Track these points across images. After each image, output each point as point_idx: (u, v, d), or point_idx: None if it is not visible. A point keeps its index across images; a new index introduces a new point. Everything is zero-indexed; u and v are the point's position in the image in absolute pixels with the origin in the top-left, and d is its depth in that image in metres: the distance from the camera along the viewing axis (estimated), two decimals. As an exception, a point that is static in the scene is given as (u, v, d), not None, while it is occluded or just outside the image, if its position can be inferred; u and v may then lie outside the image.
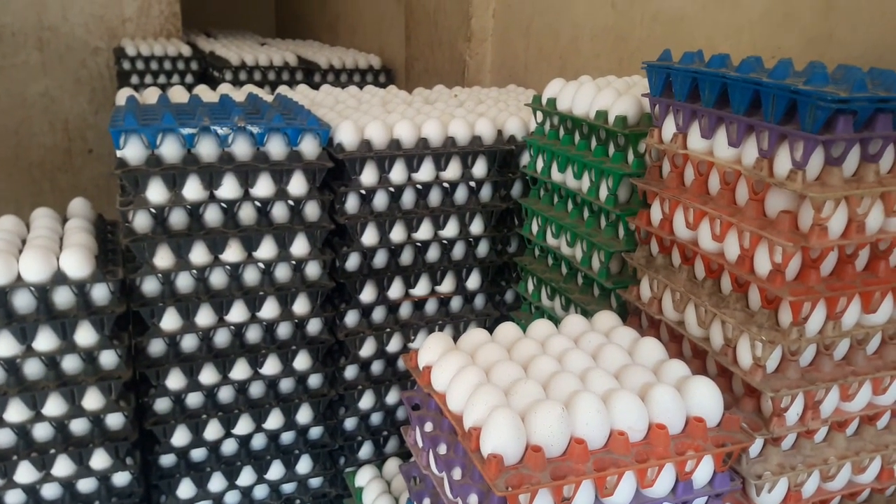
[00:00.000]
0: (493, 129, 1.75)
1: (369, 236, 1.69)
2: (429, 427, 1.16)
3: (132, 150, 1.44)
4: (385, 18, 3.93)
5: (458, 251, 1.81)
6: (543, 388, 1.06)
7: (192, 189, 1.48)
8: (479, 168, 1.74)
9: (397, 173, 1.67)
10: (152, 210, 1.47)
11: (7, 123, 4.01)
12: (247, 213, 1.56)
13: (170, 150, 1.46)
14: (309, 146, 1.57)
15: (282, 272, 1.63)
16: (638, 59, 2.02)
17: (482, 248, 1.83)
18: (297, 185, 1.56)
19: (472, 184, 1.76)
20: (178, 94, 1.98)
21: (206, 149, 1.49)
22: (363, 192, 1.66)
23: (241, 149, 1.51)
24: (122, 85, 3.59)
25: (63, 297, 1.43)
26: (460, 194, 1.76)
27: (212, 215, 1.53)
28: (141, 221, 1.48)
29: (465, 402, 1.04)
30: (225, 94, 1.81)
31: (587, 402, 1.00)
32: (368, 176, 1.65)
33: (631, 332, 1.24)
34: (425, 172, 1.69)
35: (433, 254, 1.79)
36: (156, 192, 1.46)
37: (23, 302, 1.40)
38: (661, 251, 1.32)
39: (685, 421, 1.05)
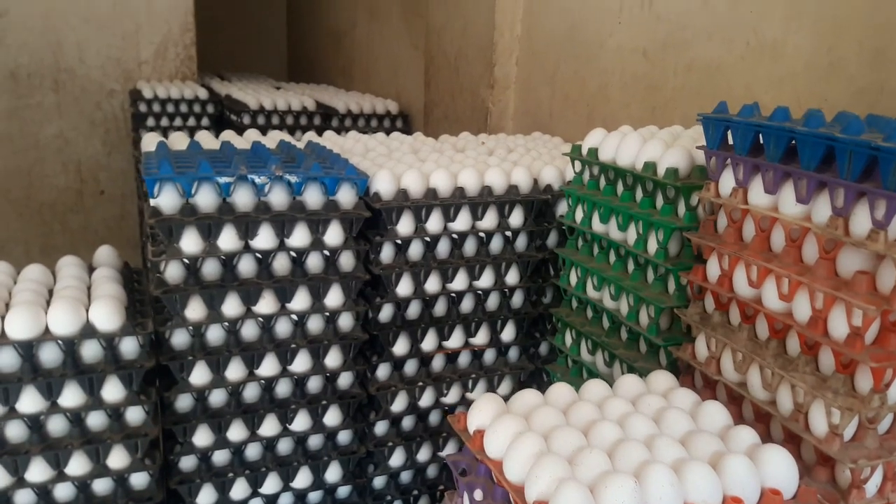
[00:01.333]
0: (530, 178, 1.72)
1: (404, 287, 1.64)
2: (479, 496, 1.10)
3: (167, 199, 1.40)
4: (401, 64, 3.95)
5: (493, 302, 1.76)
6: (609, 456, 1.00)
7: (228, 239, 1.44)
8: (516, 217, 1.70)
9: (434, 223, 1.63)
10: (186, 260, 1.43)
11: (20, 164, 4.00)
12: (281, 264, 1.51)
13: (205, 198, 1.42)
14: (346, 195, 1.53)
15: (314, 324, 1.58)
16: (672, 109, 2.00)
17: (517, 299, 1.78)
18: (334, 234, 1.52)
19: (509, 233, 1.72)
20: (205, 140, 1.95)
21: (242, 198, 1.45)
22: (398, 241, 1.62)
23: (278, 198, 1.48)
24: (138, 127, 3.58)
25: (91, 351, 1.38)
26: (496, 244, 1.72)
27: (246, 266, 1.49)
28: (173, 272, 1.44)
29: (526, 473, 0.98)
30: (256, 141, 1.78)
31: (659, 474, 0.94)
32: (405, 225, 1.61)
33: (690, 394, 1.18)
34: (462, 222, 1.65)
35: (467, 304, 1.74)
36: (190, 241, 1.42)
37: (50, 356, 1.35)
38: (718, 308, 1.26)
39: (760, 493, 0.99)
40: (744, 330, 1.20)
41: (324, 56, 5.52)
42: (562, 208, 1.77)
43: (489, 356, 1.80)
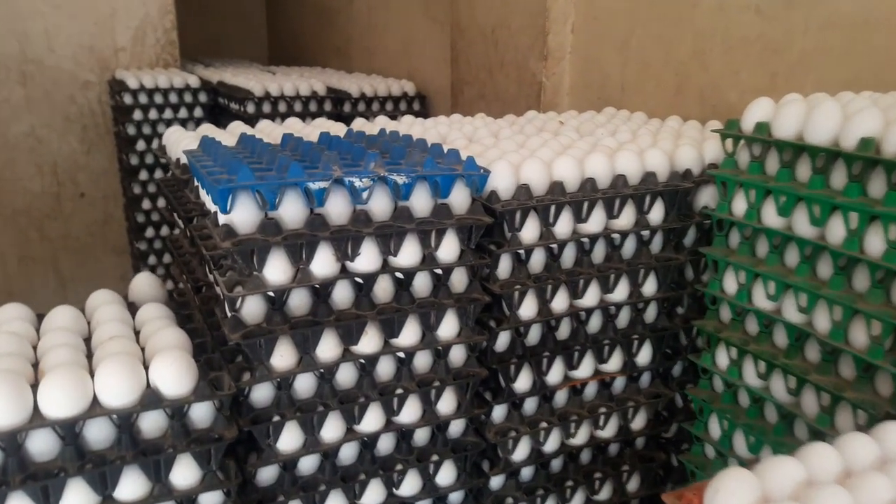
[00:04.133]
0: (667, 163, 1.39)
1: (527, 307, 1.31)
2: None
3: (244, 213, 1.05)
4: (415, 40, 3.58)
5: (624, 318, 1.44)
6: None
7: (323, 262, 1.09)
8: (655, 213, 1.38)
9: (563, 225, 1.30)
10: (271, 293, 1.08)
11: (-13, 167, 3.57)
12: (383, 289, 1.17)
13: (291, 211, 1.07)
14: (458, 197, 1.19)
15: (422, 361, 1.25)
16: (801, 74, 1.69)
17: (650, 313, 1.46)
18: (448, 248, 1.18)
19: (645, 233, 1.39)
20: (219, 134, 1.58)
21: (334, 208, 1.10)
22: (520, 251, 1.29)
23: (378, 205, 1.13)
24: (122, 121, 3.19)
25: (153, 424, 1.02)
26: (629, 247, 1.40)
27: (341, 294, 1.14)
28: (253, 309, 1.09)
29: None
30: (325, 131, 1.42)
31: None
32: (529, 231, 1.27)
33: None
34: (594, 222, 1.32)
35: (595, 324, 1.41)
36: (276, 268, 1.06)
37: (100, 434, 0.99)
38: None
39: None
40: None
41: (312, 36, 5.10)
42: (703, 198, 1.45)
43: (618, 383, 1.48)
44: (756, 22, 1.78)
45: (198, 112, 3.40)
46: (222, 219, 1.05)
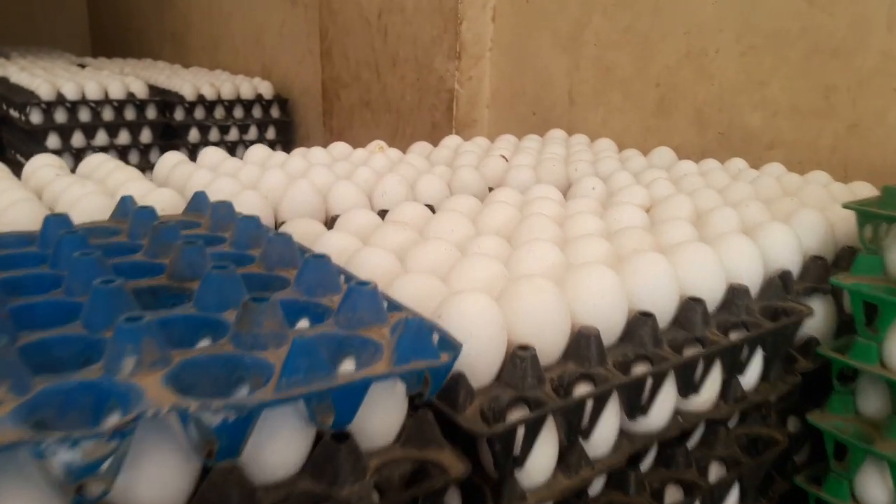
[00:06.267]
0: (760, 266, 0.73)
1: None
2: None
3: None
4: (270, 26, 2.77)
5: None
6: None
7: None
8: (752, 372, 0.71)
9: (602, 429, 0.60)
10: None
11: None
12: None
13: None
14: (380, 412, 0.47)
15: None
16: (879, 84, 1.09)
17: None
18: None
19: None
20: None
21: None
22: None
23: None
24: None
25: None
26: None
27: None
28: None
29: None
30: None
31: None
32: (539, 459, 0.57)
33: None
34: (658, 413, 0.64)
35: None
36: None
37: None
38: None
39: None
40: None
41: (143, 20, 4.14)
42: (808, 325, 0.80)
43: None
44: (804, 11, 1.17)
45: (-36, 121, 2.46)
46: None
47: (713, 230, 0.78)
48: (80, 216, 0.69)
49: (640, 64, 1.41)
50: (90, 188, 0.77)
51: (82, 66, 3.06)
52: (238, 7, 2.97)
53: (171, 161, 1.00)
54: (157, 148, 2.34)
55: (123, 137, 2.30)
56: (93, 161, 0.96)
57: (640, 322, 0.61)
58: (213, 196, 0.74)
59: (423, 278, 0.58)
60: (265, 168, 0.96)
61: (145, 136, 2.33)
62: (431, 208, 0.90)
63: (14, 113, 2.26)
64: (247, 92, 2.54)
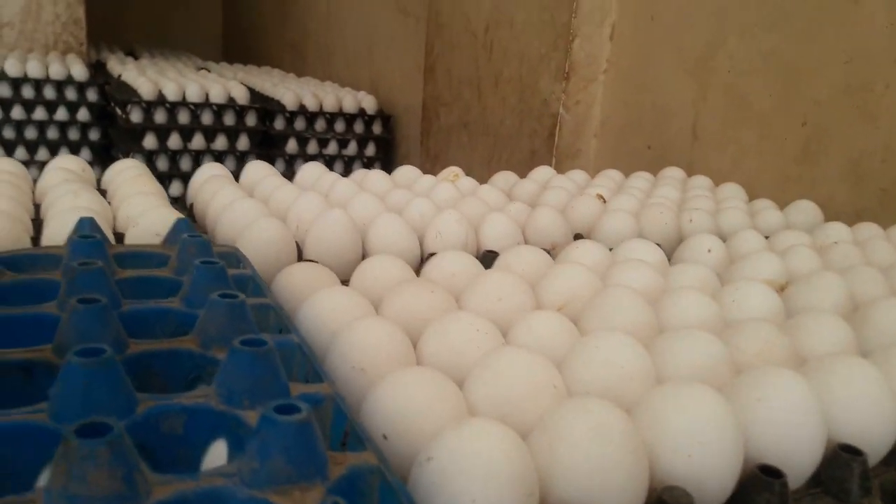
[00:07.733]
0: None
1: None
2: None
3: None
4: (380, 37, 2.67)
5: None
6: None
7: None
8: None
9: None
10: None
11: None
12: None
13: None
14: None
15: None
16: None
17: None
18: None
19: None
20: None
21: None
22: None
23: None
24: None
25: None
26: None
27: None
28: None
29: None
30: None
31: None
32: None
33: None
34: None
35: None
36: None
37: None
38: None
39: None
40: None
41: (265, 28, 4.19)
42: None
43: None
44: None
45: (83, 115, 2.50)
46: None
47: (878, 333, 0.54)
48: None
49: (784, 97, 1.16)
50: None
51: (201, 69, 3.09)
52: (352, 16, 2.90)
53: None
54: (254, 156, 2.28)
55: (220, 143, 2.25)
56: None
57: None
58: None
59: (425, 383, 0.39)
60: (302, 189, 0.81)
61: (242, 142, 2.28)
62: (493, 256, 0.72)
63: (118, 110, 2.27)
64: (349, 105, 2.44)
